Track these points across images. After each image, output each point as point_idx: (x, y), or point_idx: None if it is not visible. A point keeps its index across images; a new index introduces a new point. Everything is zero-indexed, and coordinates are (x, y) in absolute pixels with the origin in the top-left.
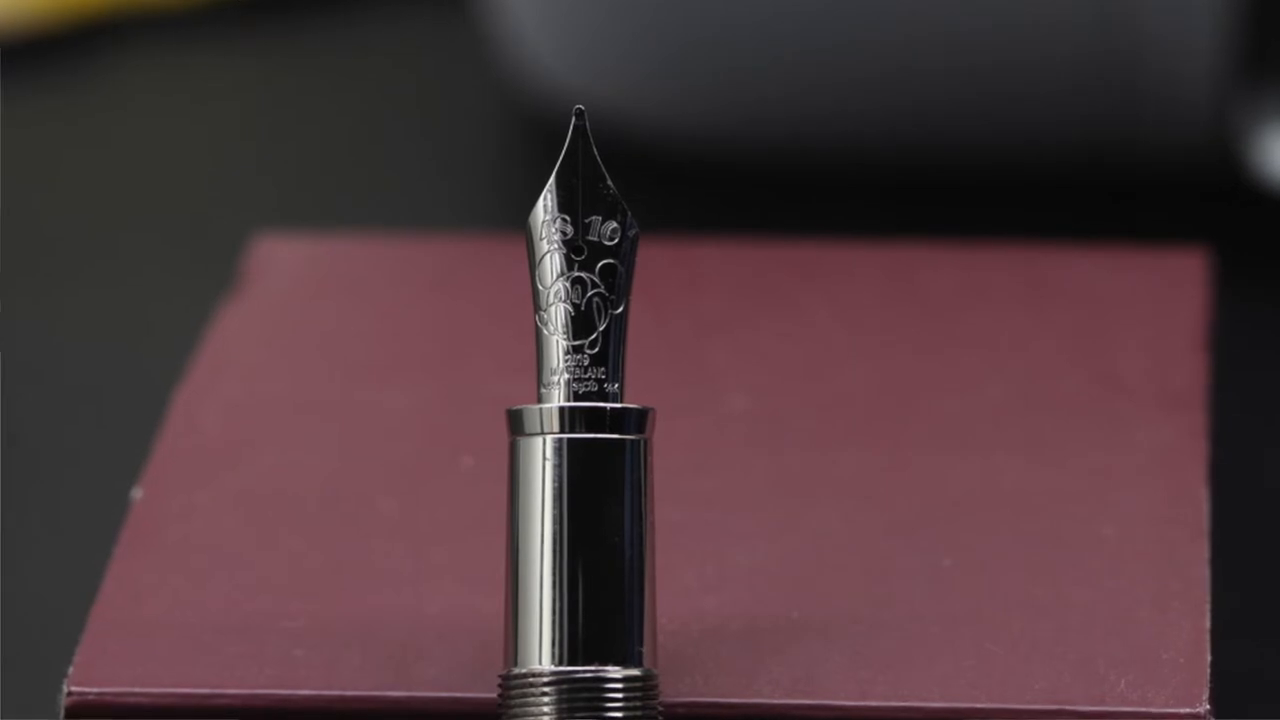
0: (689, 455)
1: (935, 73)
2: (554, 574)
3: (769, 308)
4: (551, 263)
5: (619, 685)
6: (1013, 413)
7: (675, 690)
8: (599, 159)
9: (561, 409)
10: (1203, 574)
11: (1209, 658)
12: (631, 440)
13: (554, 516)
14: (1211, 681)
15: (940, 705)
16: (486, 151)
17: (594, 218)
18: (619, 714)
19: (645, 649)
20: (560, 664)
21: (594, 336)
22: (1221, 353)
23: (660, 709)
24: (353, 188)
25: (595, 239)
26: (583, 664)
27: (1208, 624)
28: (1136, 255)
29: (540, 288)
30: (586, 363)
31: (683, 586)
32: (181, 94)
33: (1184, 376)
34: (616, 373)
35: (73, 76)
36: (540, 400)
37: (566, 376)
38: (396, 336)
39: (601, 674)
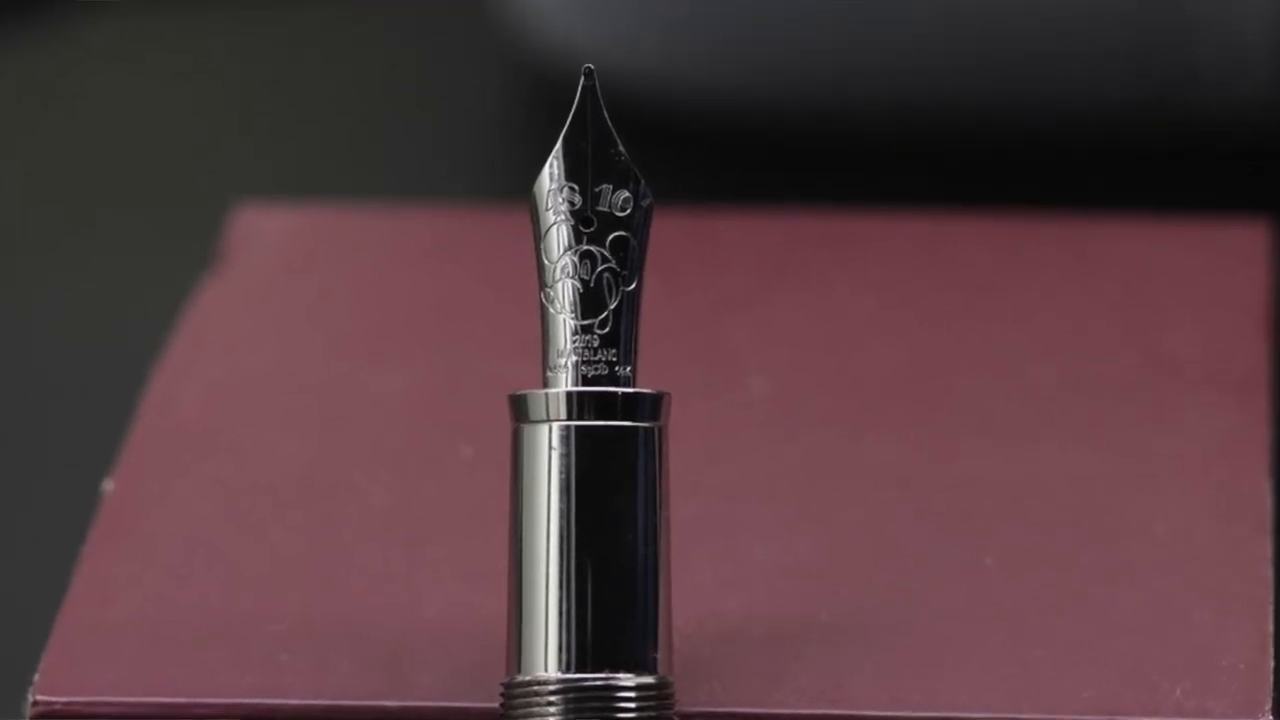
0: (706, 443)
1: (976, 29)
2: (561, 573)
3: (792, 283)
4: (558, 235)
5: (631, 693)
6: (1057, 396)
7: (692, 699)
8: (610, 122)
9: (569, 394)
10: (1265, 573)
11: (1272, 663)
12: (645, 428)
13: (561, 510)
14: (1276, 689)
15: (979, 716)
16: (487, 114)
17: (604, 186)
18: None
19: (659, 654)
20: (568, 670)
21: (604, 315)
22: None
23: (676, 719)
24: (342, 154)
25: (606, 209)
26: (592, 670)
27: (1271, 627)
28: (1192, 226)
29: (546, 262)
30: (596, 344)
31: (700, 586)
32: (157, 57)
33: (1244, 357)
34: (628, 355)
35: (40, 38)
36: (546, 384)
37: (574, 359)
38: (389, 315)
39: (612, 681)
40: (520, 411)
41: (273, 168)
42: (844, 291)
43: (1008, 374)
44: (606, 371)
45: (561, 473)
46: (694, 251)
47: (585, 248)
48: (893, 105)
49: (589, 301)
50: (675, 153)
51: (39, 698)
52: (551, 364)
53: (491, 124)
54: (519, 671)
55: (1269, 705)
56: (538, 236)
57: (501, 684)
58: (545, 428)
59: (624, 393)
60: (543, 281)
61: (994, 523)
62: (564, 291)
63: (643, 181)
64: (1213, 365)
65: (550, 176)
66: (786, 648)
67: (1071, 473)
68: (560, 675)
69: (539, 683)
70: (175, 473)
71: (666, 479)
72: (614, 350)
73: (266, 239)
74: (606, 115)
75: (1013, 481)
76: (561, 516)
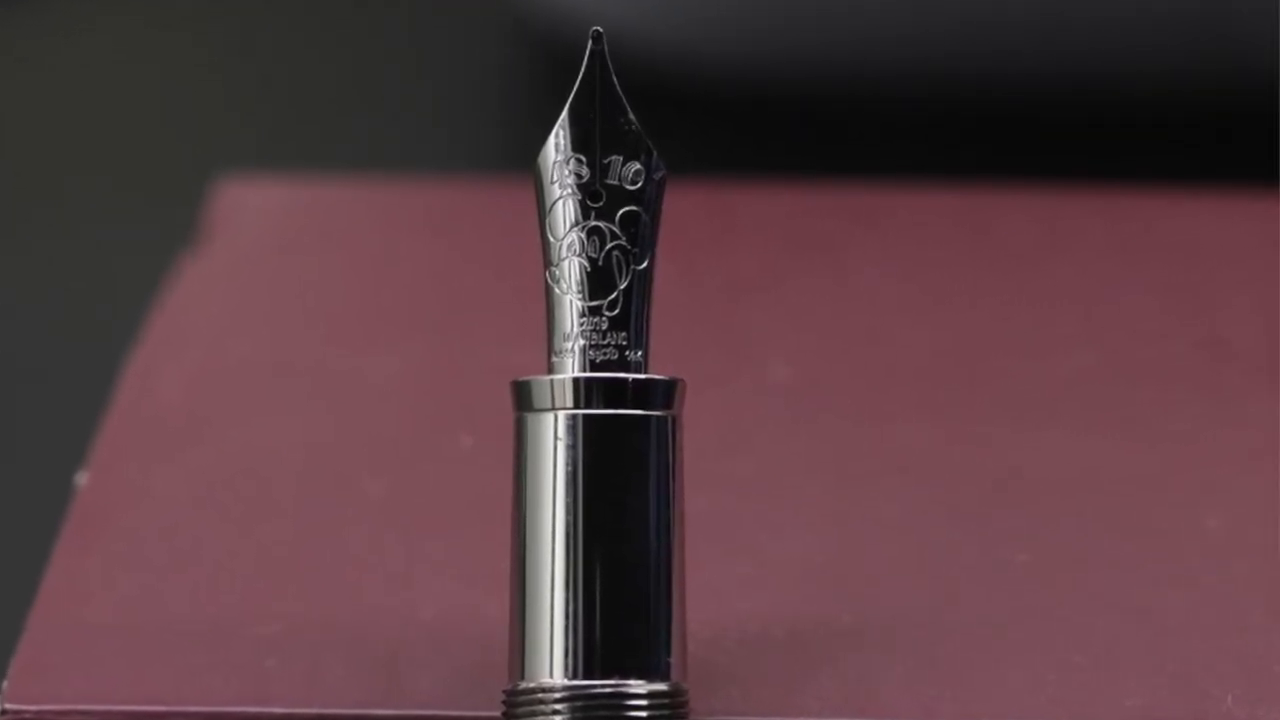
0: (723, 433)
1: None
2: (567, 572)
3: (815, 261)
4: (564, 210)
5: (643, 701)
6: (1100, 383)
7: (708, 706)
8: (619, 89)
9: (576, 380)
10: None
11: None
12: (657, 416)
13: (567, 505)
14: None
15: None
16: (489, 80)
17: (614, 158)
18: None
19: (673, 659)
20: (575, 677)
21: (614, 296)
22: None
23: None
24: (332, 122)
25: (615, 182)
26: (600, 677)
27: None
28: (1246, 200)
29: (551, 239)
30: (605, 326)
31: (716, 586)
32: (137, 20)
33: None
34: (639, 338)
35: (14, 1)
36: (551, 370)
37: (582, 342)
38: (383, 295)
39: (622, 688)
40: (524, 399)
41: (258, 137)
42: (870, 270)
43: (1046, 359)
44: (616, 356)
45: (568, 465)
46: (710, 227)
47: (593, 223)
48: (923, 71)
49: (597, 281)
50: (689, 121)
51: (8, 706)
52: (557, 348)
53: (493, 90)
54: (522, 678)
55: None
56: (542, 211)
57: (504, 691)
58: (550, 416)
59: (635, 379)
60: (548, 260)
61: (1030, 518)
62: (570, 270)
63: (655, 152)
64: (1268, 348)
65: (555, 147)
66: (808, 652)
67: (1114, 464)
68: (567, 682)
69: (544, 690)
70: (154, 464)
71: (680, 471)
72: (624, 333)
73: (252, 213)
74: (616, 81)
75: (1050, 474)
76: (568, 511)
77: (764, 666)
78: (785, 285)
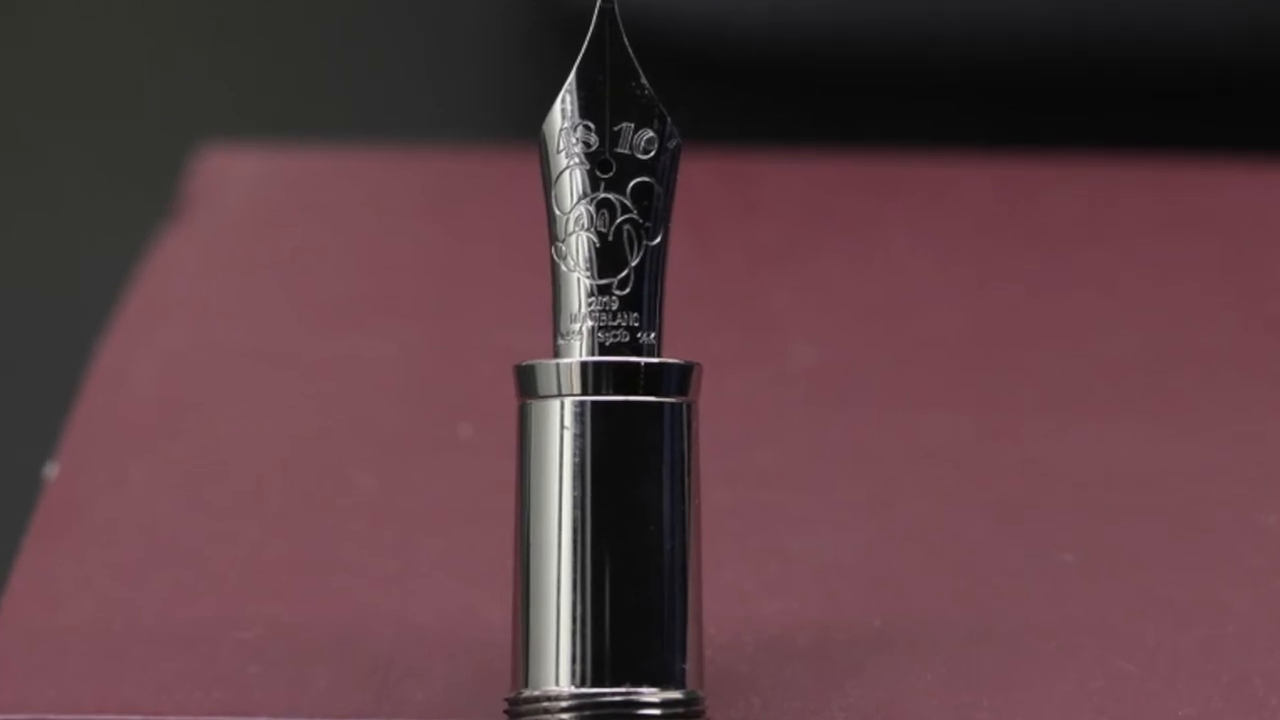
0: (742, 421)
1: None
2: (574, 572)
3: (841, 236)
4: (572, 181)
5: (656, 710)
6: (1148, 368)
7: (726, 717)
8: (631, 51)
9: (584, 364)
10: None
11: None
12: (671, 403)
13: (574, 499)
14: None
15: None
16: (490, 42)
17: (624, 125)
18: None
19: (688, 666)
20: (582, 684)
21: (624, 274)
22: None
23: None
24: (323, 87)
25: (626, 151)
26: (610, 685)
27: None
28: None
29: (557, 213)
30: (615, 306)
31: (734, 587)
32: None
33: None
34: (653, 319)
35: None
36: (557, 353)
37: (590, 324)
38: (377, 273)
39: (634, 697)
40: (527, 385)
41: (246, 104)
42: (899, 245)
43: (1091, 342)
44: (627, 338)
45: (575, 455)
46: (728, 199)
47: (603, 195)
48: (958, 32)
49: (607, 258)
50: (706, 86)
51: None
52: (564, 330)
53: (495, 52)
54: (526, 685)
55: None
56: (548, 183)
57: (506, 700)
58: (556, 403)
59: (647, 363)
60: (553, 235)
61: (1074, 515)
62: (578, 246)
63: (669, 119)
64: None
65: (562, 113)
66: (834, 659)
67: (1163, 456)
68: (574, 690)
69: (549, 698)
70: (129, 456)
71: (696, 463)
72: (635, 314)
73: (235, 184)
74: (627, 43)
75: (1095, 467)
76: (575, 506)
77: (786, 674)
78: (808, 261)
